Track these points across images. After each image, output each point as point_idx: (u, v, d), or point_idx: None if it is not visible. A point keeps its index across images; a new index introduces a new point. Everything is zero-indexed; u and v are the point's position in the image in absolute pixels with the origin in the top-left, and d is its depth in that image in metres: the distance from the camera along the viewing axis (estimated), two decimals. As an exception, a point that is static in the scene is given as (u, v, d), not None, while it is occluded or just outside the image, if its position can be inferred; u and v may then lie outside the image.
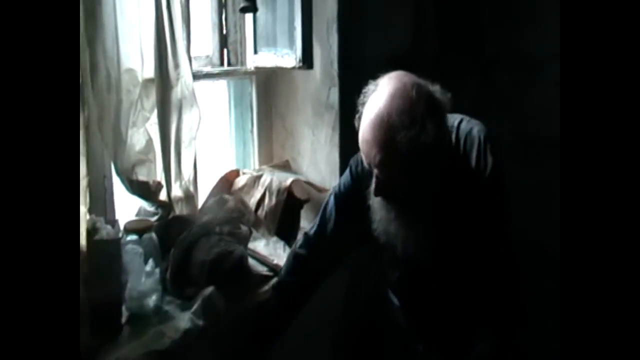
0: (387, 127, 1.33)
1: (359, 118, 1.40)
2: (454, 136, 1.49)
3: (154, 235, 1.62)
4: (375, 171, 1.41)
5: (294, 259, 1.70)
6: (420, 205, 1.47)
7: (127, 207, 1.82)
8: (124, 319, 1.54)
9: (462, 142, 1.48)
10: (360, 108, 1.41)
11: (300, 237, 1.73)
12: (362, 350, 1.96)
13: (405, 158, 1.34)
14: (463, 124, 1.50)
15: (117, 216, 1.77)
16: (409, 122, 1.32)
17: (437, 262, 1.55)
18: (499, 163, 1.46)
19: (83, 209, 1.61)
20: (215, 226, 1.67)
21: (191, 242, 1.64)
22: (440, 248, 1.52)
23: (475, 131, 1.48)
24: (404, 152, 1.32)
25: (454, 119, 1.51)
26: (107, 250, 1.50)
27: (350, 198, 1.62)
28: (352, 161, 1.64)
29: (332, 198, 1.67)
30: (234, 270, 1.63)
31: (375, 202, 1.51)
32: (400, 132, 1.32)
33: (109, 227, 1.56)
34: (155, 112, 1.73)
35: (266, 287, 1.71)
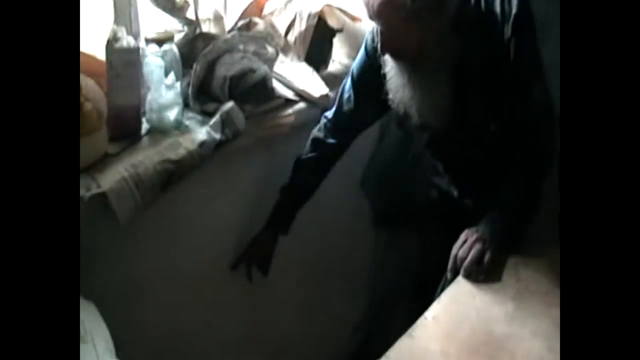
0: None
1: None
2: None
3: (174, 47, 1.58)
4: (378, 26, 1.31)
5: (312, 142, 1.68)
6: (435, 65, 1.36)
7: (153, 26, 1.76)
8: (143, 131, 1.53)
9: None
10: None
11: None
12: (391, 191, 1.92)
13: (405, 5, 1.22)
14: None
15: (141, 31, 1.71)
16: None
17: (460, 126, 1.46)
18: (525, 6, 1.31)
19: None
20: (239, 43, 1.60)
21: (214, 58, 1.58)
22: (464, 111, 1.43)
23: None
24: None
25: None
26: (127, 58, 1.46)
27: (367, 75, 1.54)
28: (367, 36, 1.54)
29: (348, 80, 1.60)
30: (255, 89, 1.58)
31: (390, 69, 1.41)
32: None
33: (130, 37, 1.51)
34: None
35: (290, 111, 1.66)
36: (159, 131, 1.53)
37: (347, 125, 1.63)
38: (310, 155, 1.66)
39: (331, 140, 1.65)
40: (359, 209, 2.02)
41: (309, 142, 1.68)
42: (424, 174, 1.77)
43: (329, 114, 1.65)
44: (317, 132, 1.67)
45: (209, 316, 1.79)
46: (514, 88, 1.36)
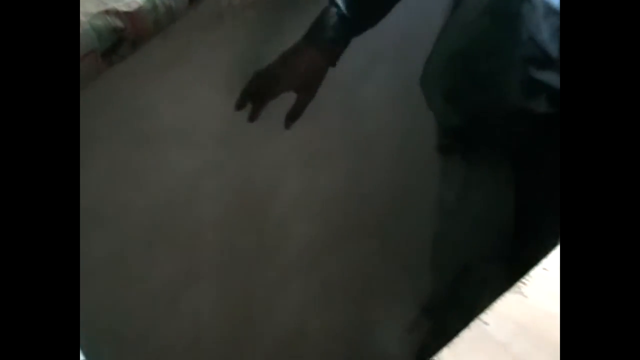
0: None
1: None
2: None
3: None
4: None
5: None
6: None
7: None
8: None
9: None
10: None
11: None
12: (468, 95, 1.30)
13: None
14: None
15: None
16: None
17: None
18: None
19: None
20: None
21: None
22: None
23: None
24: None
25: None
26: None
27: None
28: None
29: None
30: None
31: None
32: None
33: None
34: None
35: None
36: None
37: None
38: None
39: None
40: (417, 125, 1.43)
41: None
42: (523, 67, 1.17)
43: None
44: None
45: (185, 286, 1.26)
46: None
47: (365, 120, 1.39)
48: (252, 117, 1.19)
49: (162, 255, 1.20)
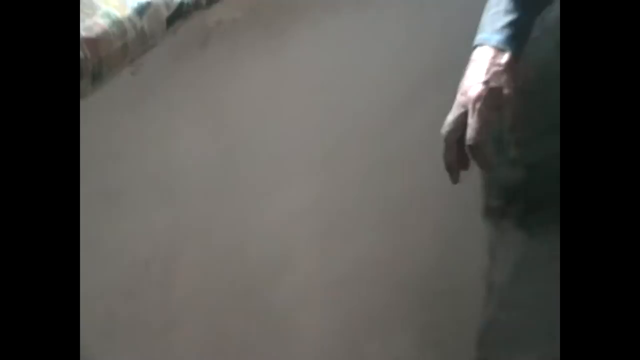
0: None
1: None
2: None
3: None
4: None
5: None
6: None
7: None
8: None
9: None
10: None
11: None
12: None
13: None
14: None
15: None
16: None
17: None
18: None
19: None
20: None
21: None
22: None
23: None
24: None
25: None
26: None
27: None
28: None
29: None
30: None
31: None
32: None
33: None
34: None
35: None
36: None
37: None
38: None
39: None
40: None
41: None
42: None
43: None
44: None
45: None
46: None
47: (397, 173, 1.13)
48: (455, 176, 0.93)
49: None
